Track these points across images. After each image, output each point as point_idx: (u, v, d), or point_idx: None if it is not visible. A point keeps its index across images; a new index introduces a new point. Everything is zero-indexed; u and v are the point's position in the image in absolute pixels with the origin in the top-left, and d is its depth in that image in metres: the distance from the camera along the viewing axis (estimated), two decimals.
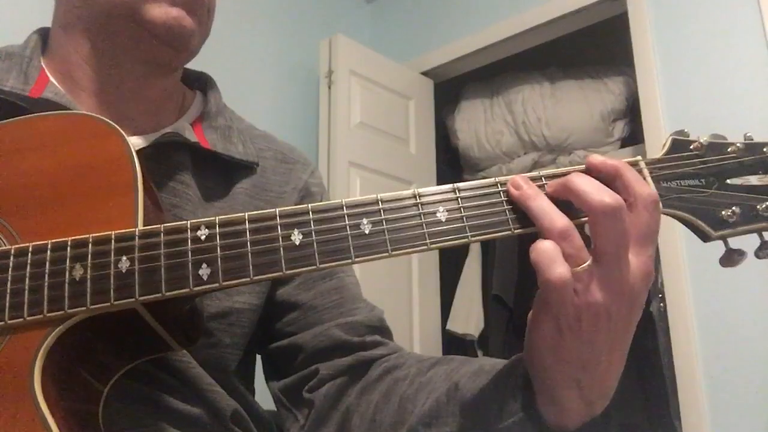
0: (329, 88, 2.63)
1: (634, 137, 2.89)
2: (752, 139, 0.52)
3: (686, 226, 0.51)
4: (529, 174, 0.51)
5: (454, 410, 0.57)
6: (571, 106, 2.95)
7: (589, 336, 0.47)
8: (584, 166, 0.51)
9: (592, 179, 0.48)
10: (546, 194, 0.49)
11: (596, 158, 0.50)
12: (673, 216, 0.51)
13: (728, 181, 0.51)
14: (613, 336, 0.48)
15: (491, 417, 0.53)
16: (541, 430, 0.51)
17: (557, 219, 0.47)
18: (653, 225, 0.48)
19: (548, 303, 0.47)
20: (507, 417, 0.52)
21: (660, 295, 2.37)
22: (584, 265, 0.46)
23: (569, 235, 0.46)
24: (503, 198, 0.50)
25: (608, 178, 0.49)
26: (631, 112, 2.89)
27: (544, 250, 0.46)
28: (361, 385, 0.68)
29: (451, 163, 3.34)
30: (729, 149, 0.52)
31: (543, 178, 0.51)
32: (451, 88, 3.22)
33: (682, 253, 2.05)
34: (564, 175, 0.50)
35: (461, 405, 0.57)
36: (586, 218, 0.48)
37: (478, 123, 3.17)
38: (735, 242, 0.50)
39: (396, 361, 0.69)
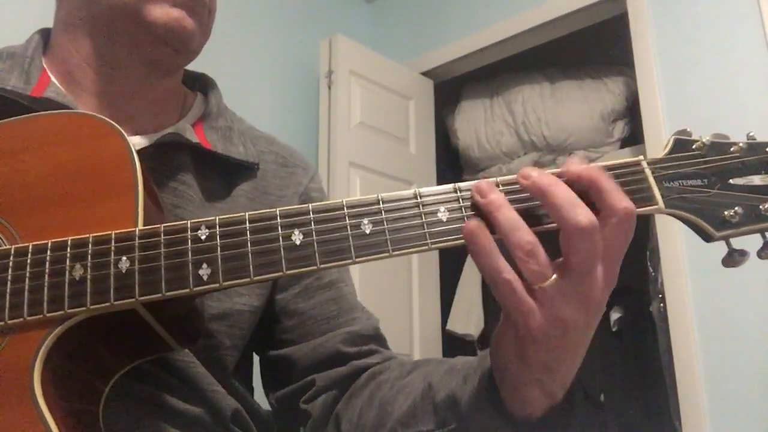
0: (329, 88, 2.63)
1: (634, 137, 2.89)
2: (755, 139, 0.52)
3: (689, 226, 0.51)
4: (502, 178, 0.49)
5: (428, 408, 0.58)
6: (571, 106, 2.95)
7: (555, 345, 0.47)
8: (561, 170, 0.48)
9: (569, 190, 0.46)
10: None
11: (575, 167, 0.48)
12: (676, 216, 0.50)
13: (731, 181, 0.51)
14: (577, 341, 0.48)
15: (462, 412, 0.55)
16: (507, 421, 0.52)
17: (525, 235, 0.46)
18: (625, 238, 0.47)
19: (509, 315, 0.48)
20: (476, 411, 0.53)
21: (660, 295, 2.37)
22: (549, 281, 0.45)
23: (535, 253, 0.45)
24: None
25: (584, 188, 0.47)
26: (631, 112, 2.89)
27: (508, 279, 0.45)
28: (350, 391, 0.70)
29: (451, 163, 3.34)
30: (731, 149, 0.52)
31: (500, 185, 0.49)
32: (451, 88, 3.22)
33: (682, 253, 2.05)
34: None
35: (435, 403, 0.58)
36: (551, 225, 0.47)
37: (478, 123, 3.17)
38: (737, 242, 0.50)
39: (381, 366, 0.70)
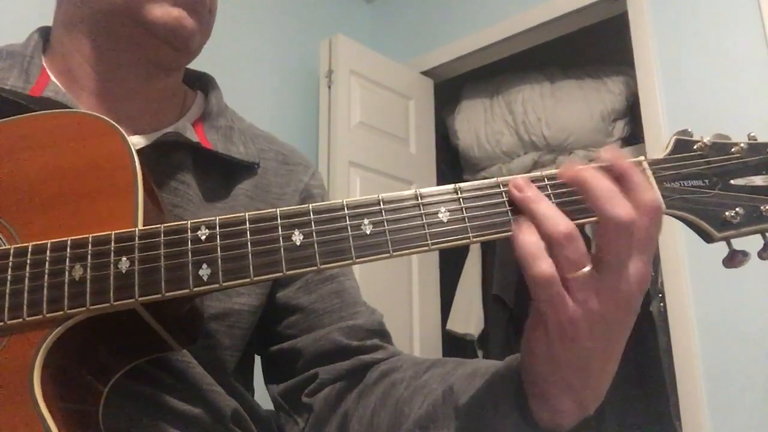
0: (329, 88, 2.63)
1: (634, 137, 2.89)
2: (756, 139, 0.52)
3: (689, 227, 0.51)
4: (530, 174, 0.50)
5: (450, 413, 0.57)
6: (571, 105, 2.95)
7: (585, 343, 0.46)
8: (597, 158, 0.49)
9: (607, 181, 0.47)
10: (552, 186, 0.49)
11: (610, 153, 0.48)
12: (676, 217, 0.50)
13: (732, 181, 0.51)
14: (609, 341, 0.48)
15: (486, 419, 0.54)
16: (535, 431, 0.51)
17: (561, 222, 0.46)
18: (654, 232, 0.47)
19: (540, 308, 0.47)
20: (502, 419, 0.52)
21: (660, 295, 2.37)
22: (584, 270, 0.45)
23: (573, 239, 0.45)
24: (505, 198, 0.49)
25: (614, 177, 0.48)
26: (631, 112, 2.89)
27: (527, 244, 0.45)
28: (360, 388, 0.69)
29: (451, 163, 3.34)
30: (733, 149, 0.52)
31: (546, 179, 0.50)
32: (451, 88, 3.22)
33: (682, 253, 2.05)
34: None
35: (456, 407, 0.57)
36: (591, 219, 0.47)
37: (478, 123, 3.17)
38: (738, 243, 0.50)
39: (393, 364, 0.69)
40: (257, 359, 0.79)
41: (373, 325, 0.74)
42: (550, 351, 0.48)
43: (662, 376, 2.36)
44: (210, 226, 0.50)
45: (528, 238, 0.46)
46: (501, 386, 0.54)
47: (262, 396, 0.77)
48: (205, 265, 0.49)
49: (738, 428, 1.88)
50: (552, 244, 0.46)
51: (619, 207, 0.45)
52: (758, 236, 0.50)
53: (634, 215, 0.45)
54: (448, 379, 0.60)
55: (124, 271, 0.49)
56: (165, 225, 0.51)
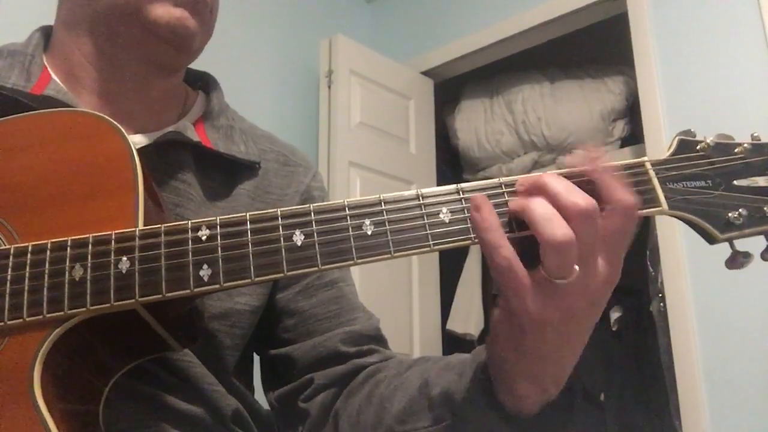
0: (329, 88, 2.63)
1: (634, 137, 2.89)
2: (759, 140, 0.52)
3: (692, 228, 0.51)
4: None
5: (425, 405, 0.59)
6: (571, 105, 2.95)
7: (552, 335, 0.47)
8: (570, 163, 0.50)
9: (564, 180, 0.47)
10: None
11: (583, 156, 0.49)
12: (679, 218, 0.50)
13: (735, 182, 0.51)
14: (575, 333, 0.49)
15: (456, 407, 0.55)
16: (501, 416, 0.52)
17: (561, 227, 0.45)
18: (626, 233, 0.47)
19: (511, 307, 0.48)
20: (471, 406, 0.54)
21: (660, 295, 2.37)
22: (572, 277, 0.45)
23: (571, 246, 0.45)
24: (507, 199, 0.49)
25: (589, 180, 0.48)
26: (631, 112, 2.90)
27: (506, 257, 0.46)
28: (348, 389, 0.69)
29: (451, 163, 3.34)
30: (736, 150, 0.52)
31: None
32: (451, 87, 3.22)
33: (682, 253, 2.05)
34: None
35: (431, 399, 0.58)
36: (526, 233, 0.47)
37: (478, 123, 3.17)
38: (740, 244, 0.50)
39: (380, 365, 0.70)
40: (256, 360, 0.79)
41: (369, 331, 0.74)
42: (518, 343, 0.49)
43: (662, 376, 2.36)
44: (210, 226, 0.50)
45: (506, 250, 0.46)
46: (468, 376, 0.55)
47: (263, 396, 0.77)
48: (205, 266, 0.49)
49: (738, 428, 1.88)
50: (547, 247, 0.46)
51: (578, 197, 0.45)
52: (760, 237, 0.50)
53: (594, 204, 0.45)
54: (424, 374, 0.62)
55: (124, 271, 0.49)
56: (165, 225, 0.51)
